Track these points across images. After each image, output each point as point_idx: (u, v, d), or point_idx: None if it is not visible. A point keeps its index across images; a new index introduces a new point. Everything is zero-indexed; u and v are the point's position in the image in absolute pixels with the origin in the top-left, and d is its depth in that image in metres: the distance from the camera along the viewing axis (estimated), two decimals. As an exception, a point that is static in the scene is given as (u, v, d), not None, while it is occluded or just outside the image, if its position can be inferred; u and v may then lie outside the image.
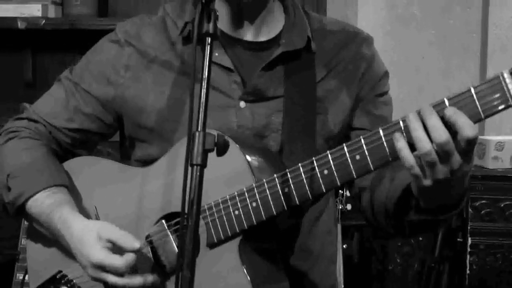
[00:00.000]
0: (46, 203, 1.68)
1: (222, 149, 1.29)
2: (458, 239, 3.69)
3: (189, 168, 1.24)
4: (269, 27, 1.74)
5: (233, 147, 1.51)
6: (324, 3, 4.05)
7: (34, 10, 3.63)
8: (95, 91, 1.77)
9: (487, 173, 3.75)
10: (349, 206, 3.19)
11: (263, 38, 1.73)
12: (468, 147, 1.34)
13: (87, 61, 1.82)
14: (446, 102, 1.36)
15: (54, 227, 1.67)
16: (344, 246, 3.44)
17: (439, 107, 1.36)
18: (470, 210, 3.69)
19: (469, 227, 3.68)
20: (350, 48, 1.76)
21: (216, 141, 1.27)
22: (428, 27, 4.28)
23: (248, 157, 1.55)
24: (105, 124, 1.79)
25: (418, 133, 1.34)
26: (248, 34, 1.72)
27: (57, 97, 1.81)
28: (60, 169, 1.76)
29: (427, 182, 1.38)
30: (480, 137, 3.88)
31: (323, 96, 1.71)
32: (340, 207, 3.21)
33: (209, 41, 1.30)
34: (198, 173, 1.24)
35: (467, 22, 4.24)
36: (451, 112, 1.33)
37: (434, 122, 1.33)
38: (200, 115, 1.27)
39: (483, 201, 3.71)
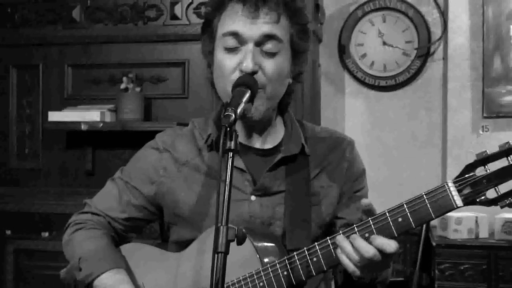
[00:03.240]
0: (108, 283, 1.66)
1: (241, 240, 1.29)
2: (428, 295, 3.65)
3: (215, 255, 1.25)
4: (272, 137, 1.74)
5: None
6: (318, 115, 4.11)
7: (94, 116, 3.66)
8: (141, 188, 1.77)
9: (449, 242, 3.73)
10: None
11: (268, 146, 1.73)
12: (390, 257, 1.41)
13: (134, 163, 1.82)
14: (387, 214, 1.41)
15: None
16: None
17: (366, 228, 1.42)
18: (437, 271, 3.65)
19: (436, 285, 3.64)
20: (337, 152, 1.75)
21: (236, 233, 1.28)
22: (400, 126, 4.30)
23: (256, 245, 1.55)
24: (150, 212, 1.79)
25: (348, 249, 1.42)
26: (257, 143, 1.73)
27: (113, 194, 1.81)
28: (118, 255, 1.75)
29: (358, 273, 1.43)
30: (443, 213, 3.86)
31: (317, 191, 1.70)
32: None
33: (231, 155, 1.33)
34: (222, 259, 1.25)
35: (430, 123, 4.26)
36: (374, 239, 1.40)
37: (359, 243, 1.40)
38: (224, 212, 1.28)
39: (447, 264, 3.67)
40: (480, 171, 1.32)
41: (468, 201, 1.34)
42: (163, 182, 1.74)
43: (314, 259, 1.49)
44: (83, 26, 3.83)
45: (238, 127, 1.68)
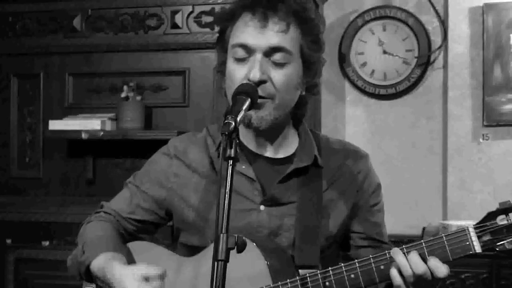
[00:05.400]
0: (103, 259, 1.64)
1: (241, 247, 1.29)
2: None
3: (215, 263, 1.26)
4: (284, 148, 1.75)
5: (256, 251, 1.53)
6: (319, 123, 4.11)
7: (95, 124, 3.67)
8: (151, 192, 1.80)
9: (450, 251, 3.71)
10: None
11: (280, 155, 1.74)
12: (439, 280, 1.42)
13: (146, 168, 1.85)
14: (423, 244, 1.42)
15: (104, 273, 1.63)
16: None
17: (417, 246, 1.43)
18: (437, 280, 3.64)
19: (437, 294, 3.63)
20: (350, 164, 1.76)
21: (236, 241, 1.28)
22: (400, 135, 4.31)
23: (267, 261, 1.54)
24: (159, 216, 1.82)
25: (403, 262, 1.41)
26: (268, 152, 1.73)
27: (124, 197, 1.84)
28: (121, 246, 1.75)
29: None
30: (444, 221, 3.86)
31: (326, 204, 1.70)
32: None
33: (231, 163, 1.34)
34: (222, 267, 1.25)
35: (431, 131, 4.26)
36: (429, 259, 1.42)
37: (414, 258, 1.41)
38: (224, 221, 1.29)
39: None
40: (501, 220, 1.36)
41: (487, 247, 1.40)
42: (173, 188, 1.77)
43: (327, 283, 1.50)
44: (84, 35, 3.84)
45: (249, 135, 1.71)
